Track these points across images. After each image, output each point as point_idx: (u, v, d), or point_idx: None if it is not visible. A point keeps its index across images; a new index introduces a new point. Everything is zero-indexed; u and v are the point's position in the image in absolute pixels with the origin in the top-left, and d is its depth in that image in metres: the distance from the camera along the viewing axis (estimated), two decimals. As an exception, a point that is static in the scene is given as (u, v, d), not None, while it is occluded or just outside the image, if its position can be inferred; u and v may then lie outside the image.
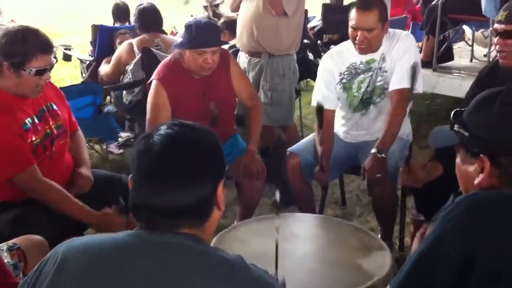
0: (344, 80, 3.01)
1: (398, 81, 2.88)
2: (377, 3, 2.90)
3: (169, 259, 1.17)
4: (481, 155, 1.40)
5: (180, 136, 1.27)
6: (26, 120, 2.37)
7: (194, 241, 1.21)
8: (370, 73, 2.96)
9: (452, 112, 1.51)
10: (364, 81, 2.98)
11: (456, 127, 1.47)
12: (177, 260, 1.17)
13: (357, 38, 2.84)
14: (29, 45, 2.28)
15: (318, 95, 3.08)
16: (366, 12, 2.82)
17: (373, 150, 2.77)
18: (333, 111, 3.09)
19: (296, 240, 2.33)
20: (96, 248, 1.21)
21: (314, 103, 3.10)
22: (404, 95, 2.88)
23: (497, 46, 2.45)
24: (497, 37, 2.42)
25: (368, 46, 2.88)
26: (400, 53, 2.89)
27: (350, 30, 2.88)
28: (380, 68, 2.94)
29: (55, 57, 2.49)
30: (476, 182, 1.41)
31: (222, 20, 5.25)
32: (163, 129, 1.27)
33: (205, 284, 1.14)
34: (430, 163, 2.63)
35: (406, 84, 2.86)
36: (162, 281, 1.14)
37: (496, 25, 2.43)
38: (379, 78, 2.96)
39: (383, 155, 2.73)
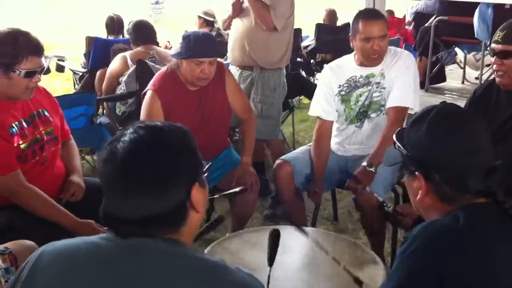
0: (343, 93, 3.03)
1: (395, 99, 2.91)
2: (381, 13, 3.00)
3: (142, 263, 1.13)
4: (416, 173, 1.43)
5: (145, 141, 1.19)
6: (13, 124, 2.35)
7: (169, 244, 1.17)
8: (369, 87, 2.98)
9: (396, 131, 1.56)
10: (363, 95, 3.00)
11: (397, 146, 1.51)
12: (151, 263, 1.13)
13: (373, 47, 2.85)
14: (19, 46, 2.27)
15: (317, 106, 3.10)
16: (378, 20, 2.87)
17: (364, 163, 2.78)
18: (331, 122, 3.10)
19: (289, 252, 2.30)
20: (70, 252, 1.19)
21: (311, 113, 3.17)
22: (400, 113, 2.91)
23: (494, 66, 2.46)
24: (494, 57, 2.44)
25: (381, 55, 2.91)
26: (400, 71, 2.92)
27: (361, 43, 2.87)
28: (379, 84, 2.96)
29: (48, 68, 2.49)
30: (417, 199, 1.45)
31: None
32: (127, 134, 1.19)
33: (182, 287, 1.11)
34: None
35: (403, 103, 2.89)
36: (136, 286, 1.12)
37: (493, 45, 2.45)
38: (376, 94, 2.98)
39: (372, 169, 2.73)
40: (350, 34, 2.98)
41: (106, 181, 1.19)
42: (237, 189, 2.56)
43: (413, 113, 2.99)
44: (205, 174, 1.30)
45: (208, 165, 1.32)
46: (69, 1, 18.96)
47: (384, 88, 2.95)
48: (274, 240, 1.82)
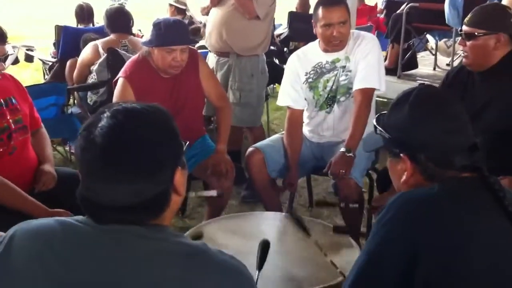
0: (310, 80, 3.03)
1: (361, 80, 2.91)
2: None
3: (123, 248, 1.10)
4: (401, 155, 1.45)
5: (125, 126, 1.13)
6: None
7: (150, 230, 1.13)
8: (335, 72, 2.99)
9: (376, 116, 1.57)
10: (330, 80, 3.00)
11: (378, 130, 1.52)
12: (132, 248, 1.10)
13: (333, 34, 2.86)
14: None
15: (285, 95, 3.11)
16: (338, 7, 2.87)
17: (342, 149, 2.78)
18: (301, 111, 3.11)
19: (266, 238, 2.30)
20: (46, 232, 1.15)
21: (279, 103, 3.18)
22: (367, 94, 2.91)
23: (461, 47, 2.58)
24: (460, 39, 2.56)
25: (342, 41, 2.91)
26: (364, 53, 2.92)
27: (322, 30, 2.89)
28: (344, 67, 2.97)
29: (16, 58, 2.43)
30: (401, 180, 1.46)
31: None
32: (105, 119, 1.14)
33: (163, 272, 1.08)
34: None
35: (369, 84, 2.90)
36: (114, 271, 1.09)
37: (463, 27, 2.55)
38: (343, 77, 2.98)
39: (351, 154, 2.74)
40: (312, 20, 2.98)
41: (85, 169, 1.14)
42: (214, 194, 2.53)
43: (383, 91, 3.00)
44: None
45: (186, 144, 1.27)
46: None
47: (350, 71, 2.96)
48: (264, 250, 1.83)
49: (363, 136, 2.76)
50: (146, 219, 1.15)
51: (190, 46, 3.00)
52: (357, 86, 2.91)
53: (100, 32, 4.80)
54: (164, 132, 1.18)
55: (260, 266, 1.80)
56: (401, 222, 1.32)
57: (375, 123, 1.54)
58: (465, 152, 1.39)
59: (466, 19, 2.51)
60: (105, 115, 1.15)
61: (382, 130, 1.50)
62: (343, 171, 2.69)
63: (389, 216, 1.34)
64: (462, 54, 2.59)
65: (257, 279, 1.74)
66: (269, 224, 2.49)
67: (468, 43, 2.48)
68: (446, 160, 1.39)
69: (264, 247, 1.84)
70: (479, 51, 2.46)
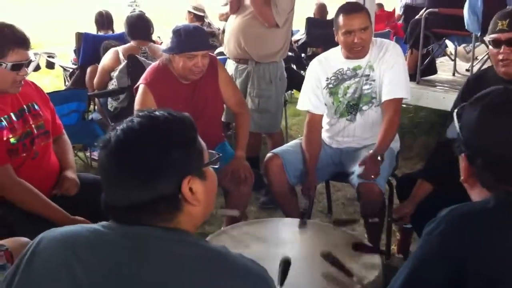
0: (331, 85, 3.04)
1: (390, 91, 2.92)
2: (362, 5, 3.01)
3: (141, 250, 1.12)
4: (462, 154, 1.42)
5: (136, 129, 1.18)
6: (2, 118, 2.32)
7: (169, 232, 1.16)
8: (357, 79, 2.99)
9: (460, 106, 1.50)
10: (351, 87, 3.00)
11: (454, 122, 1.46)
12: (149, 250, 1.12)
13: (355, 40, 2.87)
14: (4, 38, 2.25)
15: (306, 100, 3.11)
16: (358, 13, 2.89)
17: (372, 151, 2.76)
18: (321, 116, 3.11)
19: (285, 244, 2.31)
20: (71, 239, 1.17)
21: (299, 107, 3.18)
22: (397, 104, 2.93)
23: (500, 56, 2.41)
24: (502, 46, 2.40)
25: (364, 47, 2.92)
26: (390, 64, 2.93)
27: (343, 37, 2.90)
28: (368, 76, 2.96)
29: (38, 65, 2.46)
30: (461, 178, 1.44)
31: None
32: (126, 121, 1.21)
33: (182, 275, 1.09)
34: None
35: (398, 94, 2.92)
36: (134, 273, 1.10)
37: (497, 35, 2.41)
38: (366, 86, 2.98)
39: (379, 158, 2.74)
40: (333, 28, 2.99)
41: (100, 166, 1.21)
42: (236, 214, 2.59)
43: (408, 98, 3.00)
44: (216, 166, 1.28)
45: (217, 156, 1.29)
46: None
47: (374, 80, 2.96)
48: (285, 268, 1.84)
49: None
50: (156, 220, 1.17)
51: (210, 53, 3.03)
52: (387, 96, 2.92)
53: (120, 39, 4.86)
54: (174, 139, 1.19)
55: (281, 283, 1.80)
56: (451, 236, 1.30)
57: (454, 115, 1.48)
58: None
59: (504, 25, 2.36)
60: (129, 119, 1.21)
61: (457, 124, 1.45)
62: (373, 176, 2.69)
63: (440, 230, 1.31)
64: (501, 63, 2.42)
65: None
66: (287, 230, 2.49)
67: None
68: (502, 171, 1.34)
69: (285, 265, 1.84)
70: None
